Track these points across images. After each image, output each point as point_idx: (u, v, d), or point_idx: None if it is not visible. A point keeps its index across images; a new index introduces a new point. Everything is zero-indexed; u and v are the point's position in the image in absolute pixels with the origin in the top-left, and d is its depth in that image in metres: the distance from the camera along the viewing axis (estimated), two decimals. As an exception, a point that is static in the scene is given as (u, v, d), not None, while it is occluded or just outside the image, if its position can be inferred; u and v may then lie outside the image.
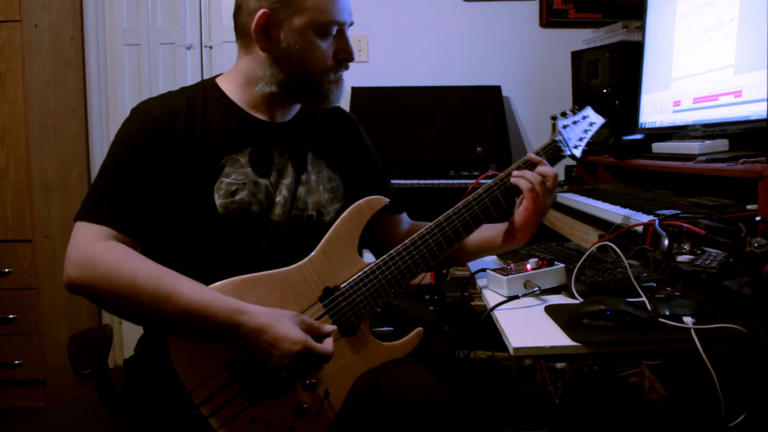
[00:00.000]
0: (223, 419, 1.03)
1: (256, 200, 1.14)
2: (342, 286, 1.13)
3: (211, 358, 1.04)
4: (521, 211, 1.24)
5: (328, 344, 1.04)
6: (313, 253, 1.13)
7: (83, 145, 2.98)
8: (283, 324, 1.01)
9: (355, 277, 1.14)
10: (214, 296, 1.01)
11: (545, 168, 1.23)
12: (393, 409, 1.03)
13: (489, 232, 1.31)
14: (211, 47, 2.94)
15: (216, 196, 1.11)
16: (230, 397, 1.04)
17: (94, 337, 1.30)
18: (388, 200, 1.21)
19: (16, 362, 2.57)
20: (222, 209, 1.11)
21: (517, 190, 1.23)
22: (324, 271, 1.13)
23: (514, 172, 1.24)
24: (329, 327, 1.07)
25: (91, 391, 1.20)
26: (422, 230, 1.19)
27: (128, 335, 3.01)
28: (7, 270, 2.55)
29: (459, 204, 1.21)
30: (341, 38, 1.18)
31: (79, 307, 2.83)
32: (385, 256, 1.16)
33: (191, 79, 2.92)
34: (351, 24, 1.20)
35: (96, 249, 1.01)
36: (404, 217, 1.41)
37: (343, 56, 1.19)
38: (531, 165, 1.25)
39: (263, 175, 1.16)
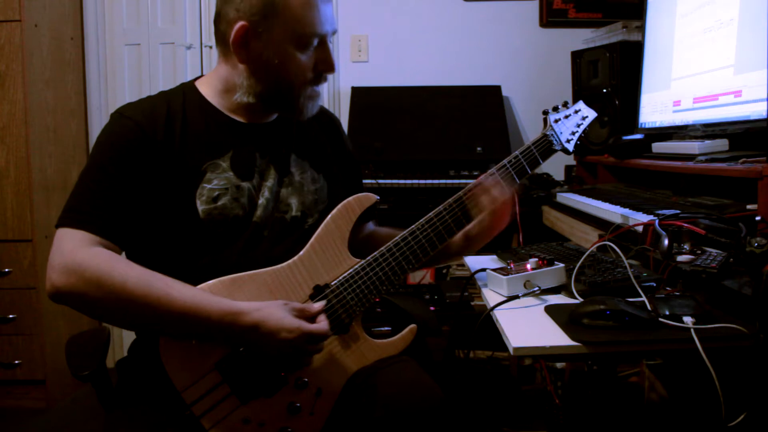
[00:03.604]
0: (214, 419, 1.03)
1: (239, 204, 1.13)
2: (332, 283, 1.13)
3: (202, 357, 1.04)
4: (477, 225, 1.23)
5: (322, 323, 1.05)
6: (302, 252, 1.13)
7: (83, 145, 2.98)
8: (275, 315, 1.01)
9: (345, 274, 1.14)
10: (207, 298, 1.01)
11: (498, 191, 1.20)
12: (383, 409, 1.02)
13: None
14: (211, 47, 2.94)
15: (198, 203, 1.11)
16: (222, 397, 1.04)
17: (92, 339, 1.30)
18: (378, 198, 1.21)
19: (16, 362, 2.57)
20: (204, 215, 1.11)
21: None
22: (314, 269, 1.13)
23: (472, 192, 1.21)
24: (318, 305, 1.08)
25: (91, 392, 1.20)
26: (413, 226, 1.18)
27: (128, 335, 3.01)
28: (7, 270, 2.55)
29: (450, 199, 1.21)
30: (322, 49, 1.15)
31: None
32: (375, 253, 1.15)
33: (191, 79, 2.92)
34: (334, 32, 1.17)
35: (82, 255, 0.99)
36: (370, 224, 1.40)
37: (324, 68, 1.16)
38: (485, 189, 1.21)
39: (245, 179, 1.15)
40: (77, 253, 1.00)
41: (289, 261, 1.12)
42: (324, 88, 1.23)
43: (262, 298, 1.07)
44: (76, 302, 1.00)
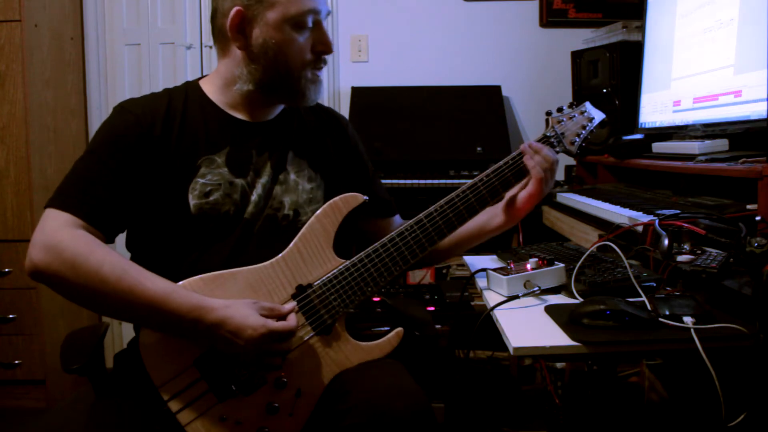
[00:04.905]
0: (191, 416, 1.03)
1: (231, 201, 1.14)
2: (315, 283, 1.12)
3: (181, 354, 1.04)
4: (524, 195, 1.24)
5: (290, 320, 1.04)
6: (286, 250, 1.12)
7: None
8: (240, 313, 1.01)
9: (329, 274, 1.13)
10: (177, 292, 1.01)
11: (549, 153, 1.24)
12: (363, 415, 1.00)
13: (471, 224, 1.27)
14: (211, 47, 2.94)
15: (190, 197, 1.12)
16: (199, 394, 1.04)
17: (87, 335, 1.31)
18: (366, 198, 1.18)
19: (16, 362, 2.57)
20: (195, 210, 1.11)
21: (517, 178, 1.23)
22: (297, 268, 1.12)
23: (527, 157, 1.23)
24: (289, 305, 1.07)
25: (91, 392, 1.20)
26: (400, 228, 1.17)
27: (129, 330, 3.00)
28: (7, 270, 2.55)
29: (441, 201, 1.19)
30: (318, 30, 1.17)
31: (78, 306, 2.83)
32: (361, 254, 1.14)
33: (191, 79, 2.93)
34: (328, 14, 1.19)
35: (62, 236, 1.01)
36: (397, 218, 1.40)
37: (322, 48, 1.17)
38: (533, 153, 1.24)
39: (240, 175, 1.16)
40: (58, 233, 1.01)
41: (272, 260, 1.11)
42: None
43: (243, 297, 1.07)
44: (51, 282, 1.01)
